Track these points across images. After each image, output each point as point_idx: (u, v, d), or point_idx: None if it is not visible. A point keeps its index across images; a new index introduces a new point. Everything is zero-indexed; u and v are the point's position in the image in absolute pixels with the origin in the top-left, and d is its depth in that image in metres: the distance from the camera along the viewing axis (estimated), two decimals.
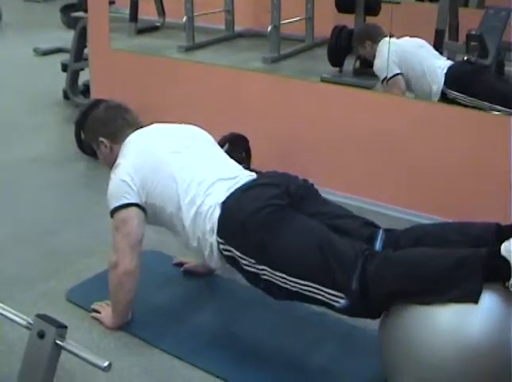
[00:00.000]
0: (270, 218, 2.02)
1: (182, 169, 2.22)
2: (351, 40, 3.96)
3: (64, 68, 4.82)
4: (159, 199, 2.21)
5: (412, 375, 1.81)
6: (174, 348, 2.23)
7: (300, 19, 4.58)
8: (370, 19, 3.91)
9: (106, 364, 1.71)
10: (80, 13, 4.77)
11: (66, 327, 1.80)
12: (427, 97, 3.35)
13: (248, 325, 2.36)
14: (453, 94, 3.26)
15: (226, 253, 2.11)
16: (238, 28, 5.03)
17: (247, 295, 2.53)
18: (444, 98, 3.29)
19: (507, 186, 2.45)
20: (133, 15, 5.02)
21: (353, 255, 1.89)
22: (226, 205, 2.11)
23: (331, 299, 1.90)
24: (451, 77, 3.32)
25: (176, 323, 2.36)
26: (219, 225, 2.10)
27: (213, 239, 2.11)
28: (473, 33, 3.36)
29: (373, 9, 3.88)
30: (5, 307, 1.92)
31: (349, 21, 3.98)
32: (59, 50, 6.03)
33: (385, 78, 3.41)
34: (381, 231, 2.05)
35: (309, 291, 1.94)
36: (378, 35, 3.57)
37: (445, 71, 3.35)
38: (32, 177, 3.65)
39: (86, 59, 4.43)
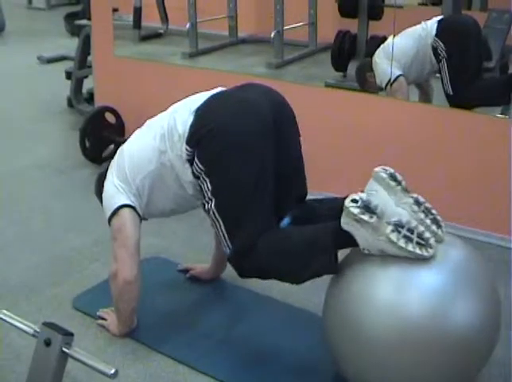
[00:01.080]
0: (241, 139, 2.04)
1: (143, 136, 2.27)
2: (354, 44, 3.97)
3: (68, 75, 4.83)
4: (141, 169, 2.20)
5: (355, 354, 1.88)
6: (180, 354, 2.23)
7: (304, 24, 4.59)
8: (373, 23, 3.91)
9: (112, 371, 1.71)
10: (84, 21, 4.78)
11: (72, 334, 1.80)
12: (429, 59, 3.32)
13: (253, 331, 2.36)
14: (437, 42, 3.26)
15: (188, 157, 2.09)
16: (241, 34, 5.03)
17: (252, 300, 2.53)
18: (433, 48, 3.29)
19: (508, 189, 2.45)
20: (137, 22, 5.03)
21: (263, 225, 2.01)
22: (198, 112, 2.10)
23: (223, 241, 2.06)
24: (442, 26, 3.30)
25: (182, 329, 2.36)
26: (190, 131, 2.08)
27: (183, 146, 2.09)
28: None
29: (376, 13, 3.88)
30: (11, 315, 1.93)
31: (352, 25, 3.98)
32: (63, 58, 6.04)
33: (387, 84, 3.40)
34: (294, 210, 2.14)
35: (214, 225, 2.08)
36: (367, 64, 3.59)
37: (437, 19, 3.33)
38: (37, 184, 3.66)
39: (90, 66, 4.43)
